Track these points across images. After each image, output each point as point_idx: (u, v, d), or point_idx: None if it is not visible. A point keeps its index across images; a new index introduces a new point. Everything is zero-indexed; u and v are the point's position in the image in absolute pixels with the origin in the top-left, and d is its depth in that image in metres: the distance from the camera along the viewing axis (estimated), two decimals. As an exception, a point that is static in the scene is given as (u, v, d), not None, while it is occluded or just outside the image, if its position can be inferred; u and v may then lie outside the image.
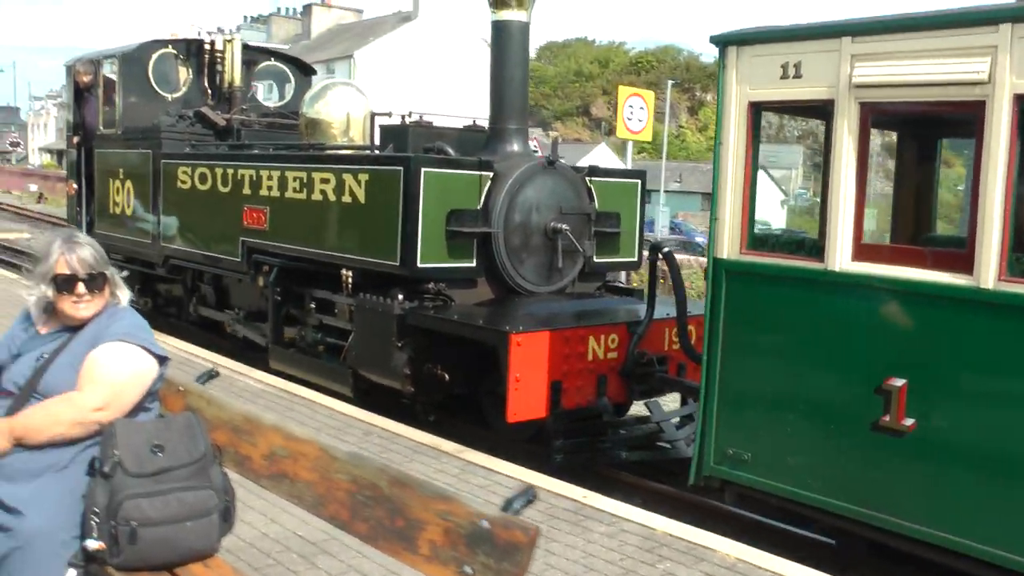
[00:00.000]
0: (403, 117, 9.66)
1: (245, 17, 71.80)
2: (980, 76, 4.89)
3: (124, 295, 3.79)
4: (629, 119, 15.47)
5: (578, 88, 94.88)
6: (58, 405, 3.46)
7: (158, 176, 11.62)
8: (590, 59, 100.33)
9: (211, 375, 4.44)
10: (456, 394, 8.58)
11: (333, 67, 49.28)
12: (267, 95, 14.19)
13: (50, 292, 3.59)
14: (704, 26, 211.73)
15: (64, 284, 3.57)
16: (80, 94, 13.35)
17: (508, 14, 8.91)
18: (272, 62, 14.00)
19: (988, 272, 4.90)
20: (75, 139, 13.52)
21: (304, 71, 14.25)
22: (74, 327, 3.66)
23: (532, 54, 44.77)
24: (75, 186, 13.71)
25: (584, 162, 10.15)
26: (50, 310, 3.70)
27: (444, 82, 42.21)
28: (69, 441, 3.47)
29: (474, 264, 8.51)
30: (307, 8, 60.92)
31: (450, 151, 8.96)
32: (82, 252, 3.59)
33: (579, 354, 7.64)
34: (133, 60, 12.47)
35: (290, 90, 13.78)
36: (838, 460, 5.49)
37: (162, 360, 3.70)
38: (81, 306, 3.61)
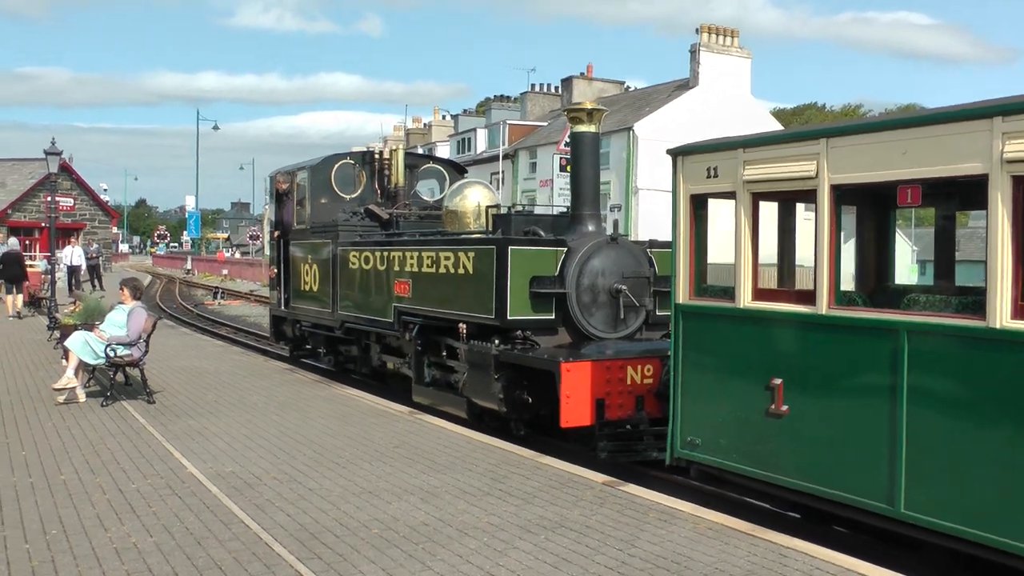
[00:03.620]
0: (509, 208, 12.63)
1: (493, 96, 70.20)
2: (810, 172, 7.39)
3: None
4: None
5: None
6: None
7: (335, 260, 15.04)
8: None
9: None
10: (542, 414, 11.26)
11: (609, 139, 46.43)
12: (428, 191, 17.40)
13: None
14: (943, 84, 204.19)
15: None
16: (280, 198, 17.05)
17: (582, 127, 11.87)
18: (431, 165, 17.30)
19: (823, 302, 7.35)
20: (276, 233, 17.25)
21: (458, 170, 17.49)
22: None
23: (759, 123, 41.18)
24: (275, 270, 17.40)
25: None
26: None
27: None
28: None
29: (553, 316, 11.28)
30: (566, 82, 58.70)
31: (541, 232, 11.87)
32: None
33: (619, 379, 10.28)
34: (319, 170, 16.05)
35: (446, 187, 16.94)
36: (747, 438, 7.97)
37: None
38: None
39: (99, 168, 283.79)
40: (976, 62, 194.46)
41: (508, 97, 67.94)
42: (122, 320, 13.21)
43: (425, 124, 77.67)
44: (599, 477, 8.99)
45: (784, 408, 7.63)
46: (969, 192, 8.00)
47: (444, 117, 76.88)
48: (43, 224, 49.26)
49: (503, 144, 57.12)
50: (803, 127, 7.70)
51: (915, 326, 6.73)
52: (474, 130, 64.05)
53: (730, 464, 8.16)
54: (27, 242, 47.16)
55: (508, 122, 59.75)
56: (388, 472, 9.12)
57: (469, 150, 62.97)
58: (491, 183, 57.60)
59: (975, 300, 6.66)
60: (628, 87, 60.76)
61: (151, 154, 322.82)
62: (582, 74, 58.73)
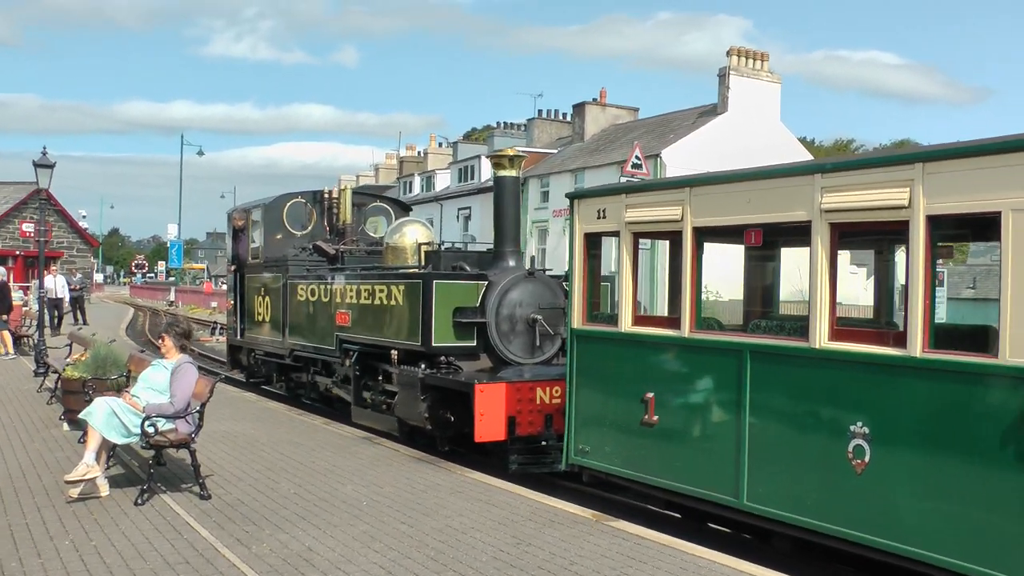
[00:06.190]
0: (439, 245, 13.87)
1: (498, 123, 65.19)
2: (677, 216, 8.67)
3: None
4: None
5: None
6: None
7: (286, 292, 16.21)
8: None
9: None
10: (465, 432, 12.39)
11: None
12: (376, 229, 18.57)
13: None
14: (940, 121, 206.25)
15: None
16: (236, 234, 18.24)
17: (504, 172, 13.15)
18: (378, 203, 18.51)
19: (686, 326, 8.61)
20: (232, 267, 18.43)
21: (403, 208, 18.74)
22: None
23: (790, 152, 38.43)
24: (231, 302, 18.57)
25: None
26: None
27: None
28: None
29: (475, 343, 12.50)
30: (579, 108, 54.90)
31: (467, 268, 13.09)
32: None
33: (529, 399, 11.46)
34: (273, 208, 17.26)
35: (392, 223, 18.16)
36: (626, 444, 9.19)
37: None
38: None
39: (72, 195, 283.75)
40: (947, 102, 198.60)
41: (513, 124, 64.28)
42: (163, 381, 9.74)
43: (420, 152, 73.60)
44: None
45: (655, 418, 8.87)
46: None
47: (441, 144, 72.66)
48: (18, 252, 47.59)
49: (512, 173, 53.77)
50: (672, 178, 9.00)
51: (755, 347, 8.00)
52: (478, 157, 59.91)
53: (613, 468, 9.39)
54: (-1, 272, 45.24)
55: (517, 149, 54.53)
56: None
57: (472, 178, 59.56)
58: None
59: (801, 325, 7.93)
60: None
61: (123, 183, 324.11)
62: (594, 100, 55.31)
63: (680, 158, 41.51)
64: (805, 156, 43.48)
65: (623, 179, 25.66)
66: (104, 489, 9.27)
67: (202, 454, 10.09)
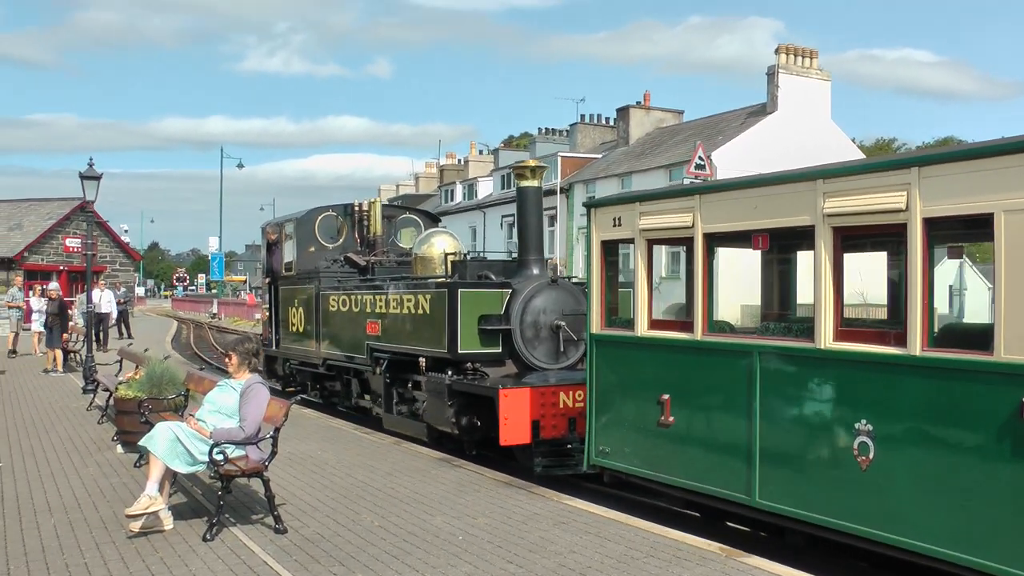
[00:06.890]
0: (465, 255, 14.21)
1: (539, 129, 64.76)
2: (688, 223, 8.95)
3: None
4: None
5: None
6: None
7: (318, 303, 16.63)
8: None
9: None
10: (491, 436, 12.71)
11: (682, 170, 38.42)
12: (406, 240, 18.93)
13: None
14: (979, 117, 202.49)
15: None
16: (270, 247, 18.69)
17: (526, 183, 13.47)
18: (408, 215, 18.89)
19: (699, 330, 8.88)
20: (267, 280, 18.89)
21: (433, 219, 19.10)
22: None
23: (842, 152, 37.84)
24: (266, 314, 19.02)
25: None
26: None
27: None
28: None
29: (500, 350, 12.82)
30: (622, 112, 54.00)
31: (492, 276, 13.42)
32: None
33: (552, 403, 11.76)
34: (305, 222, 17.68)
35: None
36: (644, 445, 9.47)
37: None
38: None
39: (112, 211, 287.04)
40: (983, 97, 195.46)
41: (554, 130, 63.79)
42: (232, 403, 8.96)
43: (460, 160, 72.76)
44: None
45: (671, 419, 9.14)
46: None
47: (482, 152, 71.67)
48: (61, 267, 48.21)
49: (557, 178, 50.94)
50: (682, 186, 9.29)
51: (764, 348, 8.26)
52: (522, 164, 58.26)
53: (632, 469, 9.67)
54: (43, 287, 43.75)
55: (561, 155, 54.03)
56: None
57: (515, 185, 56.70)
58: (542, 219, 55.21)
59: (807, 326, 8.17)
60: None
61: (160, 198, 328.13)
62: (639, 103, 54.29)
63: (730, 160, 39.82)
64: (858, 156, 42.28)
65: (687, 180, 24.92)
66: (168, 522, 8.51)
67: (271, 480, 8.97)
